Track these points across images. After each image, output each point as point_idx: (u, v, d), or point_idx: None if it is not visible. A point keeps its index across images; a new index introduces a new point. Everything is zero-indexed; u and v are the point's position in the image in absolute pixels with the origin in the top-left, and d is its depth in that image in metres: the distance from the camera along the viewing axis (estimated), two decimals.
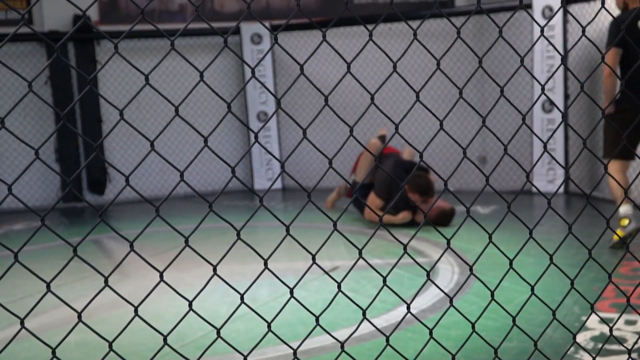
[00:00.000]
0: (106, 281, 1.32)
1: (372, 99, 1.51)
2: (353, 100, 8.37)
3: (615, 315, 3.65)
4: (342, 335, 3.53)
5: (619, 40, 4.73)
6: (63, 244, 5.92)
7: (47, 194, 8.37)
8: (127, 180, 1.28)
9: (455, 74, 7.76)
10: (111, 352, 1.49)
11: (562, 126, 7.26)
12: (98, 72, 1.31)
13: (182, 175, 1.31)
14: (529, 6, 7.21)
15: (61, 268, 1.33)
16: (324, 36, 1.51)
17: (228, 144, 8.97)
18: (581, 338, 3.38)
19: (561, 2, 7.00)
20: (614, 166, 5.12)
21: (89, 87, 1.26)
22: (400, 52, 7.74)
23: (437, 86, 8.13)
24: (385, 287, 1.72)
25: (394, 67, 1.55)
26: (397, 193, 5.83)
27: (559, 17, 7.13)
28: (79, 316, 1.33)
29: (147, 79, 1.30)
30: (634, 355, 3.11)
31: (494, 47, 8.01)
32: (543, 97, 7.44)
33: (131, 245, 1.36)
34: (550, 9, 7.14)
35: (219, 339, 1.54)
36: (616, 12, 5.22)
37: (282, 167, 1.33)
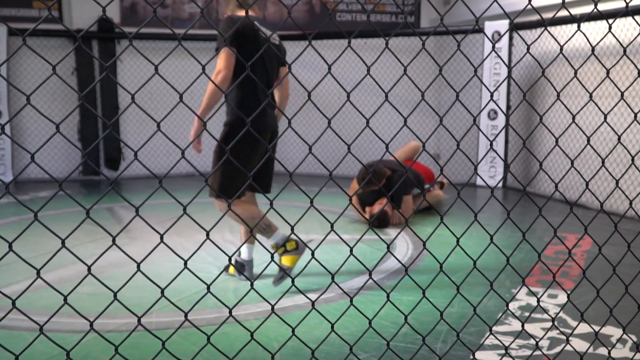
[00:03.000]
0: (114, 240, 1.28)
1: (348, 96, 1.48)
2: (334, 102, 8.36)
3: (540, 290, 3.66)
4: (313, 296, 3.52)
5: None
6: (81, 211, 5.84)
7: (70, 168, 8.28)
8: (135, 154, 1.24)
9: (417, 84, 7.79)
10: (117, 303, 1.45)
11: (503, 132, 7.30)
12: (115, 59, 1.27)
13: (183, 153, 1.27)
14: (481, 30, 7.21)
15: (75, 227, 1.29)
16: (310, 41, 1.48)
17: None
18: (511, 307, 3.39)
19: (509, 27, 7.02)
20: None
21: (105, 73, 1.21)
22: (373, 63, 7.74)
23: (402, 93, 8.18)
24: (351, 256, 1.70)
25: (368, 70, 1.53)
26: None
27: (505, 40, 7.18)
28: (89, 269, 1.30)
29: (156, 68, 1.26)
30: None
31: (450, 64, 8.07)
32: (489, 107, 7.47)
33: (137, 211, 1.33)
34: (499, 33, 7.17)
35: (209, 294, 1.51)
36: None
37: (268, 149, 1.30)
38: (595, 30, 5.87)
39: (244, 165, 3.42)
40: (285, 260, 3.62)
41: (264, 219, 3.60)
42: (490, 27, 7.24)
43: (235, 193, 3.48)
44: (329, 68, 1.46)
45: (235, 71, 3.44)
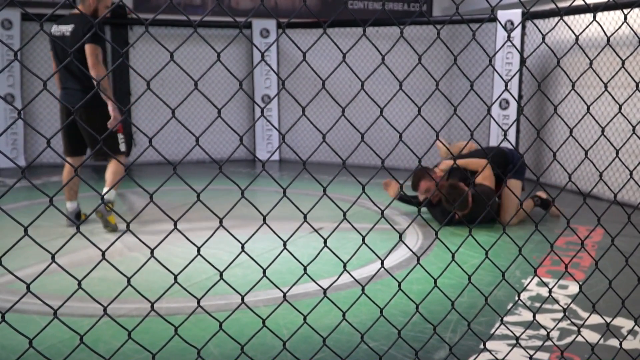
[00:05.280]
0: (128, 226, 1.28)
1: (362, 85, 1.47)
2: (344, 90, 8.34)
3: (549, 280, 3.65)
4: (322, 284, 3.52)
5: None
6: (93, 196, 5.87)
7: None
8: (150, 141, 1.24)
9: (430, 73, 7.77)
10: (128, 287, 1.46)
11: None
12: (131, 46, 1.27)
13: (197, 140, 1.27)
14: (494, 19, 7.16)
15: (90, 213, 1.29)
16: (325, 29, 1.47)
17: (236, 121, 8.93)
18: (521, 297, 3.38)
19: (521, 17, 6.96)
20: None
21: (121, 60, 1.21)
22: (386, 52, 7.72)
23: (412, 82, 8.14)
24: (361, 245, 1.70)
25: (382, 58, 1.52)
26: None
27: (518, 30, 7.11)
28: (103, 254, 1.30)
29: (172, 55, 1.26)
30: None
31: (462, 54, 8.00)
32: (501, 96, 7.43)
33: (151, 197, 1.33)
34: (512, 22, 7.11)
35: (221, 280, 1.52)
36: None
37: (283, 138, 1.29)
38: (608, 19, 5.82)
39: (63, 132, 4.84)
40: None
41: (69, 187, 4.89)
42: (503, 16, 7.18)
43: (63, 152, 4.98)
44: (344, 57, 1.45)
45: None
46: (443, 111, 8.33)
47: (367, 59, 8.15)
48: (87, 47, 4.51)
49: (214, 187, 4.16)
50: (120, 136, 4.81)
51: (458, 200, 4.59)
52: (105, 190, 4.63)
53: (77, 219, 4.88)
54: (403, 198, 5.34)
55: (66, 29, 4.62)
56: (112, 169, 4.75)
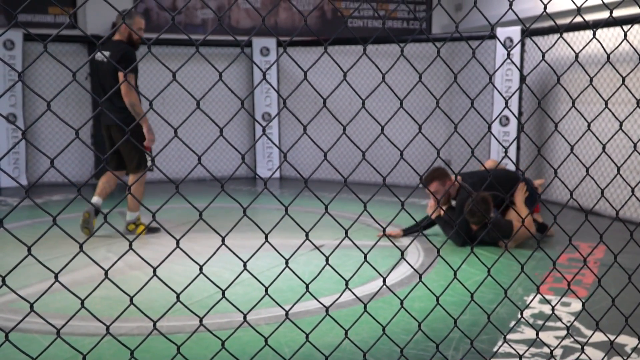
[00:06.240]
0: (130, 245, 1.29)
1: (363, 103, 1.48)
2: (344, 109, 8.37)
3: (552, 298, 3.64)
4: (324, 302, 3.51)
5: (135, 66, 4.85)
6: (114, 213, 5.87)
7: (83, 172, 8.32)
8: (152, 160, 1.25)
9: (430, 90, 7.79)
10: (130, 306, 1.46)
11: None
12: (135, 65, 1.28)
13: (199, 159, 1.28)
14: (493, 37, 7.21)
15: (93, 231, 1.30)
16: (325, 48, 1.49)
17: (236, 139, 8.95)
18: (524, 315, 3.37)
19: (521, 35, 7.00)
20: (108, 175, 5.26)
21: (124, 80, 1.22)
22: (386, 70, 7.74)
23: (412, 99, 8.18)
24: (363, 263, 1.70)
25: (383, 77, 1.53)
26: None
27: (517, 47, 7.15)
28: (106, 274, 1.31)
29: (174, 75, 1.27)
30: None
31: (462, 71, 8.03)
32: (501, 113, 7.45)
33: (153, 216, 1.33)
34: (511, 40, 7.15)
35: (224, 298, 1.52)
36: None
37: (284, 156, 1.30)
38: (608, 36, 5.85)
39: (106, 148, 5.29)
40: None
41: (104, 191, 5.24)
42: (502, 33, 7.23)
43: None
44: (344, 75, 1.47)
45: None
46: (443, 128, 8.36)
47: (367, 76, 8.19)
48: (120, 75, 4.97)
49: (216, 205, 4.19)
50: (147, 155, 5.21)
51: (480, 214, 4.38)
52: (127, 215, 5.30)
53: (95, 215, 5.09)
54: (407, 232, 5.35)
55: (105, 54, 5.11)
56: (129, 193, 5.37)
